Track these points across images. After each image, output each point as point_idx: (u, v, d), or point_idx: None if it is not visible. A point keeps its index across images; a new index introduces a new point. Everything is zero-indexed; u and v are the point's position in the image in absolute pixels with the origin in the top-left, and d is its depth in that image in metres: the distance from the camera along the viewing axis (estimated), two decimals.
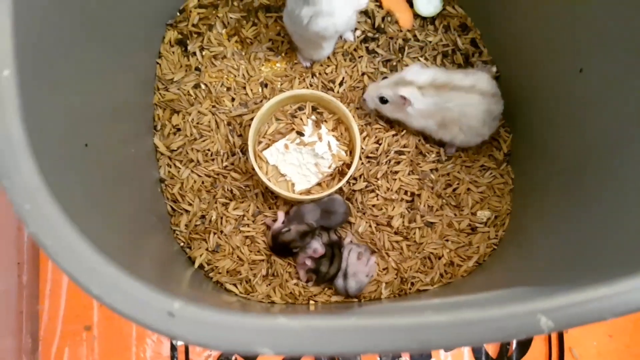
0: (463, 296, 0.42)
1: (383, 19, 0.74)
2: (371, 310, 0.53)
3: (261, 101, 0.70)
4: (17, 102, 0.33)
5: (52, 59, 0.42)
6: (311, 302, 0.67)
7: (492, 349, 0.70)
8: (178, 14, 0.73)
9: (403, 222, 0.68)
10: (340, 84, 0.72)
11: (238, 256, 0.67)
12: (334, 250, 0.65)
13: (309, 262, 0.64)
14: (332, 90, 0.71)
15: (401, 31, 0.74)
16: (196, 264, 0.66)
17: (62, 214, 0.33)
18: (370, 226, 0.69)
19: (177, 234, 0.67)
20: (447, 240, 0.68)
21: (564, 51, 0.58)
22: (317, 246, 0.63)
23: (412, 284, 0.67)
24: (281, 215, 0.66)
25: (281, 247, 0.64)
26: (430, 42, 0.75)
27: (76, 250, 0.32)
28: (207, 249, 0.67)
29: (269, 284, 0.67)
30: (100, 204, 0.47)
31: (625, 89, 0.48)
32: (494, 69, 0.73)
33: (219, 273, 0.66)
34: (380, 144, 0.70)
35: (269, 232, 0.66)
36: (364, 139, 0.69)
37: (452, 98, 0.63)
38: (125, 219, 0.53)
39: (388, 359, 0.68)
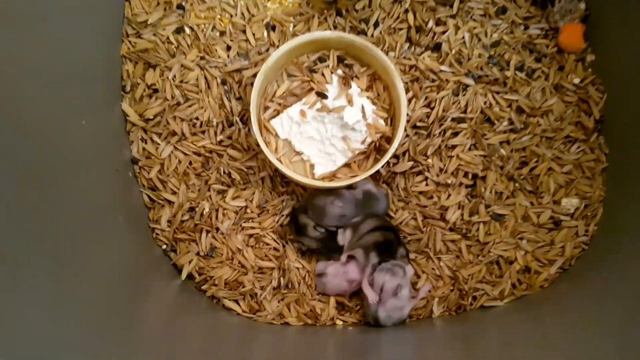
0: None
1: None
2: None
3: (267, 50, 0.57)
4: None
5: None
6: (338, 321, 0.52)
7: None
8: None
9: (462, 214, 0.56)
10: (376, 25, 0.57)
11: (240, 262, 0.55)
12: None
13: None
14: (365, 33, 0.57)
15: None
16: (183, 274, 0.53)
17: None
18: (415, 219, 0.55)
19: (157, 234, 0.54)
20: (521, 239, 0.55)
21: None
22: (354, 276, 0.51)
23: (475, 298, 0.55)
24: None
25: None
26: None
27: None
28: (197, 253, 0.54)
29: (282, 299, 0.54)
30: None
31: None
32: (583, 5, 0.57)
33: (215, 285, 0.53)
34: (432, 109, 0.57)
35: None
36: (410, 101, 0.56)
37: None
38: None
39: None
